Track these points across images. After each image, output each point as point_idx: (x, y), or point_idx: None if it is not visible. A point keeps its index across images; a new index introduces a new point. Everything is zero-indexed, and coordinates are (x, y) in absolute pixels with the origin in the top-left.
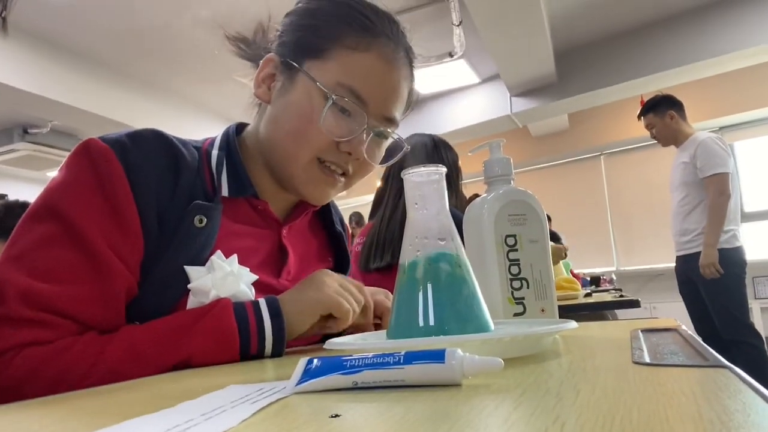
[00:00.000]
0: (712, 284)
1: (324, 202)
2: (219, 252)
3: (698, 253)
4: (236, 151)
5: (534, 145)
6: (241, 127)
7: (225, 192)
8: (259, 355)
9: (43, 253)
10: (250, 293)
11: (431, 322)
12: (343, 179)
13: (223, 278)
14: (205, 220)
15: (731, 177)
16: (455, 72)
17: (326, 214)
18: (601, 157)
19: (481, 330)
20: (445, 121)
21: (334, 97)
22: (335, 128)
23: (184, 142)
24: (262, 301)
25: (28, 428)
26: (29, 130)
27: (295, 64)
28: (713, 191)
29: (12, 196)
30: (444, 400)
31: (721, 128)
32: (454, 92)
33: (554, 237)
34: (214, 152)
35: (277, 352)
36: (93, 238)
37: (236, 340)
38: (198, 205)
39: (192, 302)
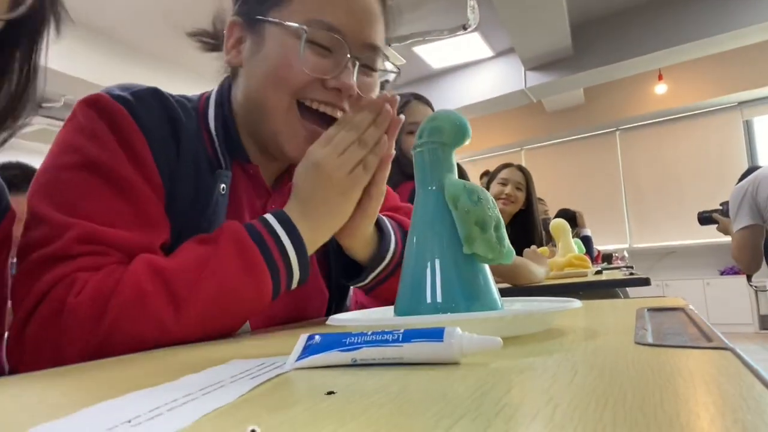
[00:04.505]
0: None
1: None
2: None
3: None
4: (230, 111)
5: (548, 121)
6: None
7: (222, 159)
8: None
9: (96, 204)
10: None
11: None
12: None
13: None
14: (226, 189)
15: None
16: (469, 45)
17: None
18: (617, 132)
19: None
20: (457, 95)
21: (306, 29)
22: (318, 65)
23: (181, 103)
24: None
25: (27, 401)
26: (43, 104)
27: (260, 17)
28: None
29: None
30: (441, 378)
31: (740, 103)
32: (468, 66)
33: (567, 215)
34: (211, 111)
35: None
36: (138, 191)
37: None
38: (221, 174)
39: None
